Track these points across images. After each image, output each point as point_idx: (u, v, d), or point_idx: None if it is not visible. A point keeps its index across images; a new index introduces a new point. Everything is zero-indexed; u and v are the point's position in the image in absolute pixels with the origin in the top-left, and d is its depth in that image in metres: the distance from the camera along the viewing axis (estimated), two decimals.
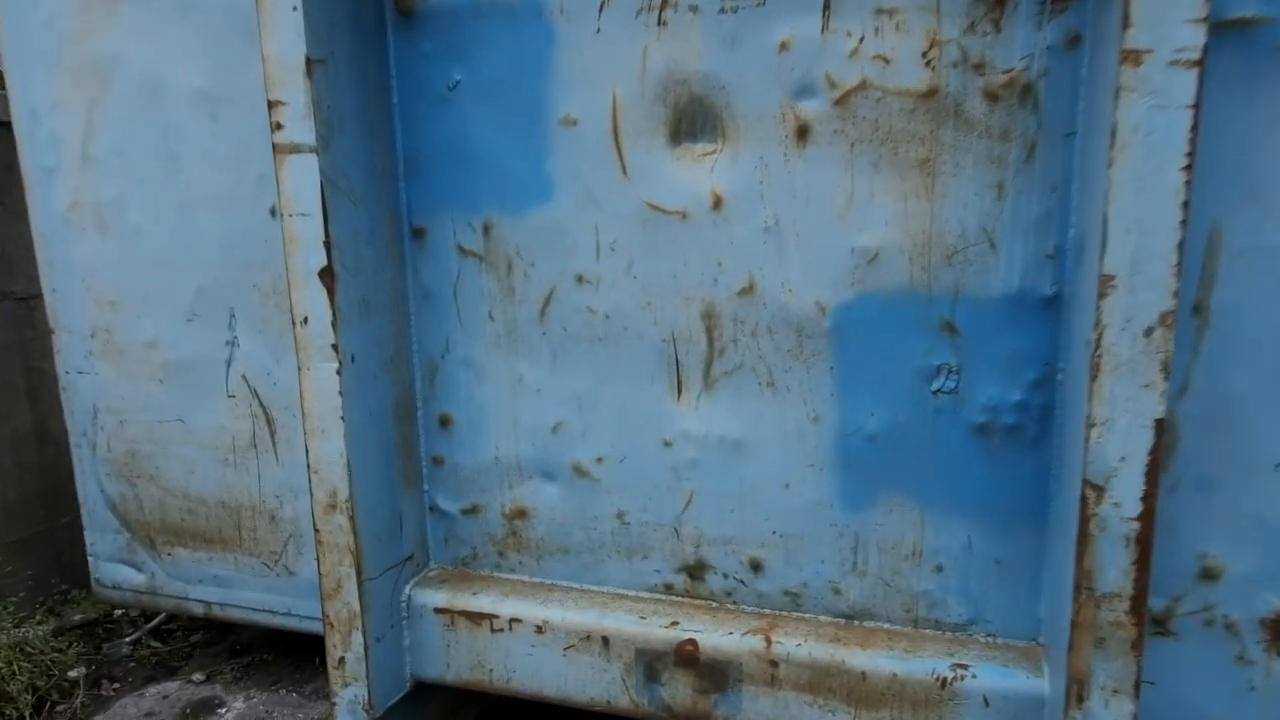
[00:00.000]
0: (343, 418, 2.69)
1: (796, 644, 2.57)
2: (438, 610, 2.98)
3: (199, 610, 3.59)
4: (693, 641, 2.67)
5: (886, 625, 2.62)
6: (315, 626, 3.40)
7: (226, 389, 3.27)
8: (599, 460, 2.84)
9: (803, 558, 2.67)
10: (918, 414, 2.45)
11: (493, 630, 2.92)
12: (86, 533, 3.69)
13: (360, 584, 2.80)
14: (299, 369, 2.71)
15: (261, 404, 3.23)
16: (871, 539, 2.58)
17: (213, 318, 3.22)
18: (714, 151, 2.52)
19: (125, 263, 3.30)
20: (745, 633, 2.64)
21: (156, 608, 3.73)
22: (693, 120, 2.53)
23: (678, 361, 2.68)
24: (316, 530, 2.81)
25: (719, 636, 2.66)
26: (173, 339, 3.30)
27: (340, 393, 2.67)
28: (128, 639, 4.08)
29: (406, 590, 3.04)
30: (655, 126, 2.56)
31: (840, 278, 2.45)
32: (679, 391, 2.70)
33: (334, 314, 2.63)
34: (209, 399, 3.30)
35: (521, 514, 2.99)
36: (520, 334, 2.85)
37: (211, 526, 3.43)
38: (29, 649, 3.66)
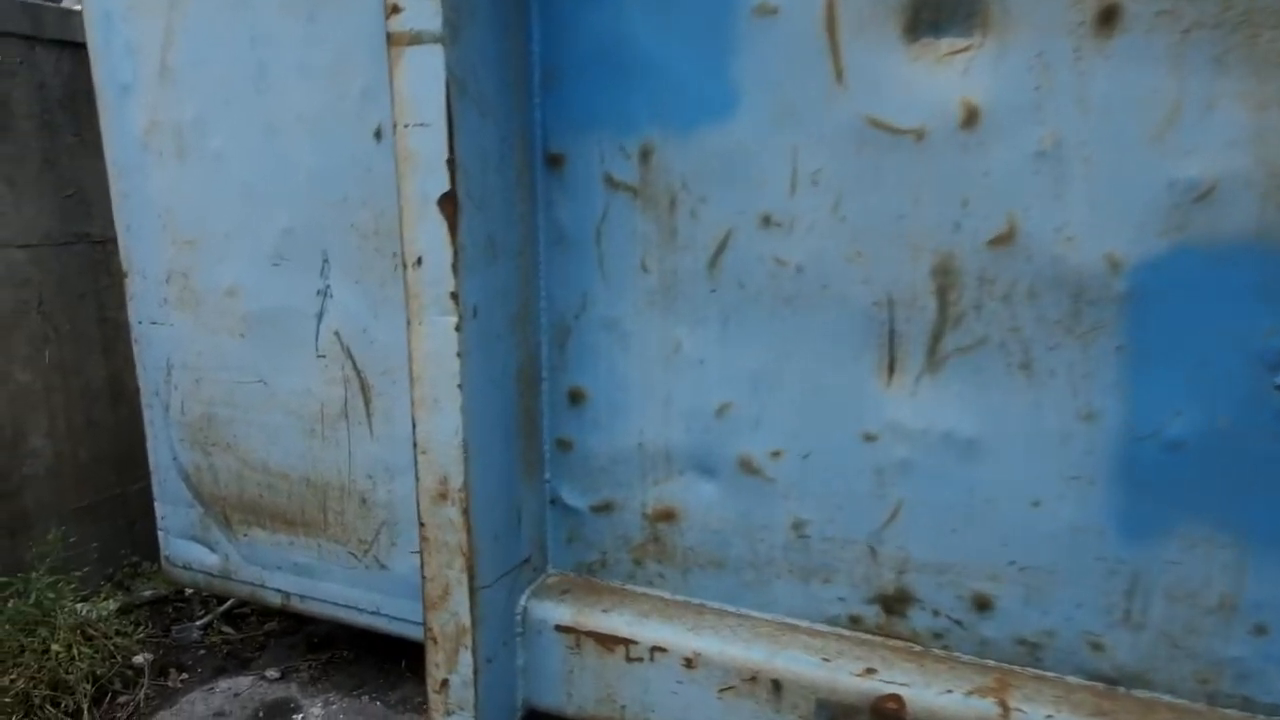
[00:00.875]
0: (460, 386, 2.14)
1: (1046, 714, 1.93)
2: (560, 628, 2.43)
3: (275, 600, 3.14)
4: (897, 698, 2.05)
5: (1168, 698, 1.95)
6: (408, 630, 2.91)
7: (316, 347, 2.78)
8: (775, 455, 2.24)
9: (1051, 598, 2.01)
10: (1250, 416, 1.76)
11: (629, 659, 2.35)
12: (157, 504, 3.27)
13: (472, 592, 2.27)
14: (409, 323, 2.17)
15: (355, 366, 2.73)
16: (1158, 582, 1.90)
17: (302, 262, 2.72)
18: (968, 48, 1.86)
19: (205, 195, 2.83)
20: (970, 692, 2.01)
21: (229, 593, 3.31)
22: (939, 6, 1.87)
23: (893, 331, 2.05)
24: (422, 524, 2.28)
25: (933, 694, 2.03)
26: (256, 286, 2.82)
27: (459, 354, 2.12)
28: (198, 623, 3.67)
29: (522, 601, 2.50)
30: (885, 15, 1.91)
31: (1148, 222, 1.77)
32: (891, 371, 2.07)
33: (455, 254, 2.07)
34: (295, 358, 2.82)
35: (668, 516, 2.41)
36: (681, 290, 2.25)
37: (293, 506, 2.96)
38: (92, 631, 3.26)
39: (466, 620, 2.26)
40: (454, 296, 2.08)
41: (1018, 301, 1.90)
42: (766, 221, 2.11)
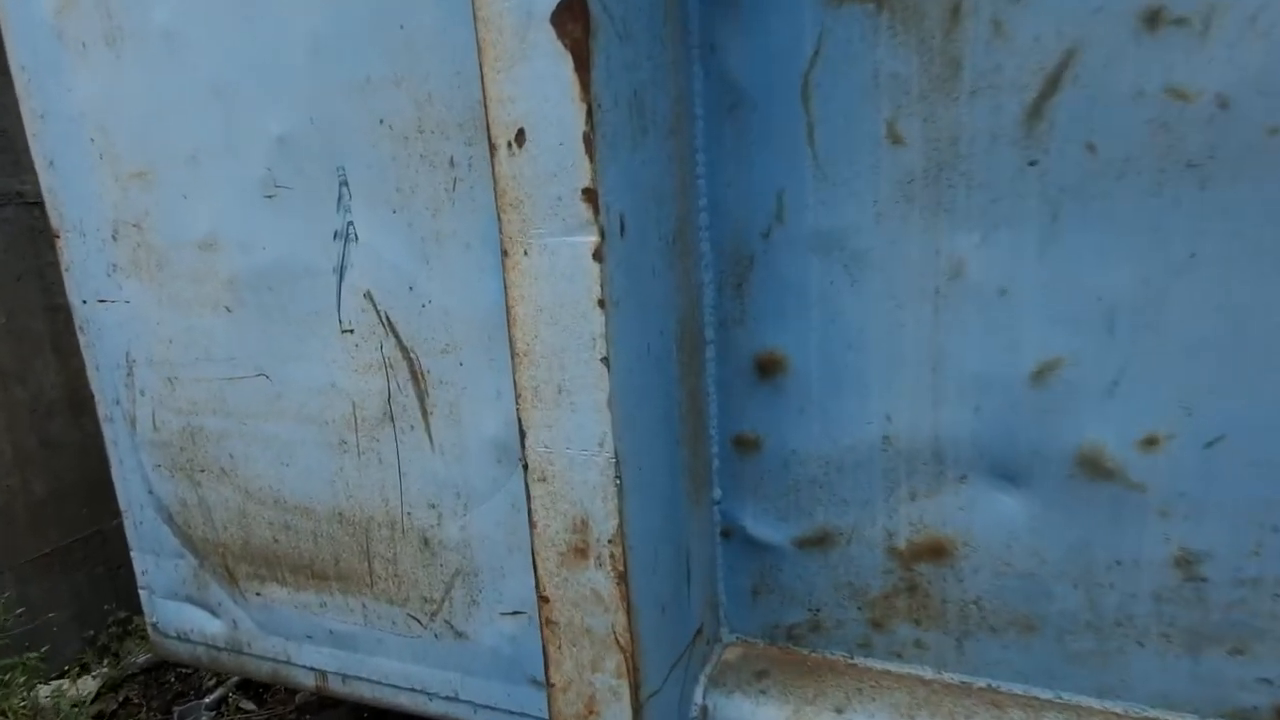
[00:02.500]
0: (606, 360, 1.21)
1: None
2: None
3: (307, 681, 2.26)
4: None
5: None
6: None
7: (339, 318, 1.87)
8: (1147, 444, 1.30)
9: None
10: None
11: None
12: (134, 555, 2.38)
13: (636, 708, 1.36)
14: (505, 255, 1.23)
15: (401, 343, 1.82)
16: None
17: (309, 189, 1.80)
18: None
19: (155, 100, 1.90)
20: None
21: (242, 671, 2.43)
22: None
23: None
24: (543, 596, 1.37)
25: None
26: (243, 233, 1.91)
27: (601, 302, 1.19)
28: (209, 698, 2.81)
29: (698, 696, 1.59)
30: None
31: None
32: None
33: (589, 118, 1.13)
34: (310, 338, 1.91)
35: (935, 551, 1.49)
36: (967, 170, 1.31)
37: (322, 554, 2.07)
38: None
39: None
40: (589, 197, 1.15)
41: None
42: (1153, 20, 1.15)
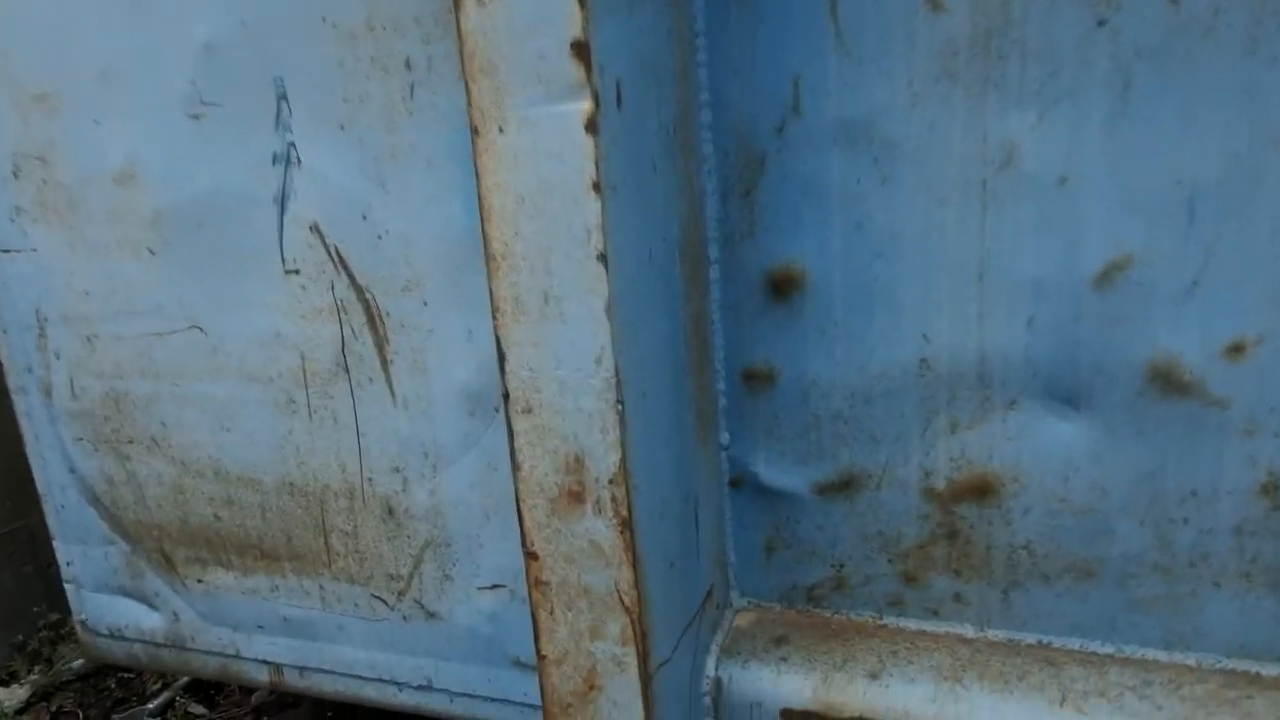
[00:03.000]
0: (603, 258, 1.00)
1: None
2: (794, 718, 1.32)
3: (260, 675, 2.02)
4: None
5: None
6: (485, 713, 1.80)
7: (281, 256, 1.63)
8: (1232, 351, 1.13)
9: None
10: None
11: None
12: (57, 544, 2.11)
13: (645, 682, 1.15)
14: (475, 133, 1.01)
15: (355, 281, 1.58)
16: None
17: (241, 105, 1.56)
18: None
19: (56, 7, 1.64)
20: None
21: (186, 670, 2.17)
22: None
23: None
24: (530, 553, 1.15)
25: None
26: (166, 161, 1.65)
27: (595, 186, 0.98)
28: (153, 703, 2.54)
29: (710, 668, 1.39)
30: None
31: None
32: None
33: None
34: (248, 280, 1.66)
35: (979, 490, 1.31)
36: (1019, 38, 1.12)
37: (272, 530, 1.83)
38: None
39: None
40: (580, 53, 0.93)
41: None
42: None
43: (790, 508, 1.41)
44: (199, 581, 1.95)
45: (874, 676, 1.30)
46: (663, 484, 1.16)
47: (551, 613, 1.13)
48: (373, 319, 1.59)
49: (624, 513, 1.06)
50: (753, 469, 1.41)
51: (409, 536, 1.70)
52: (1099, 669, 1.26)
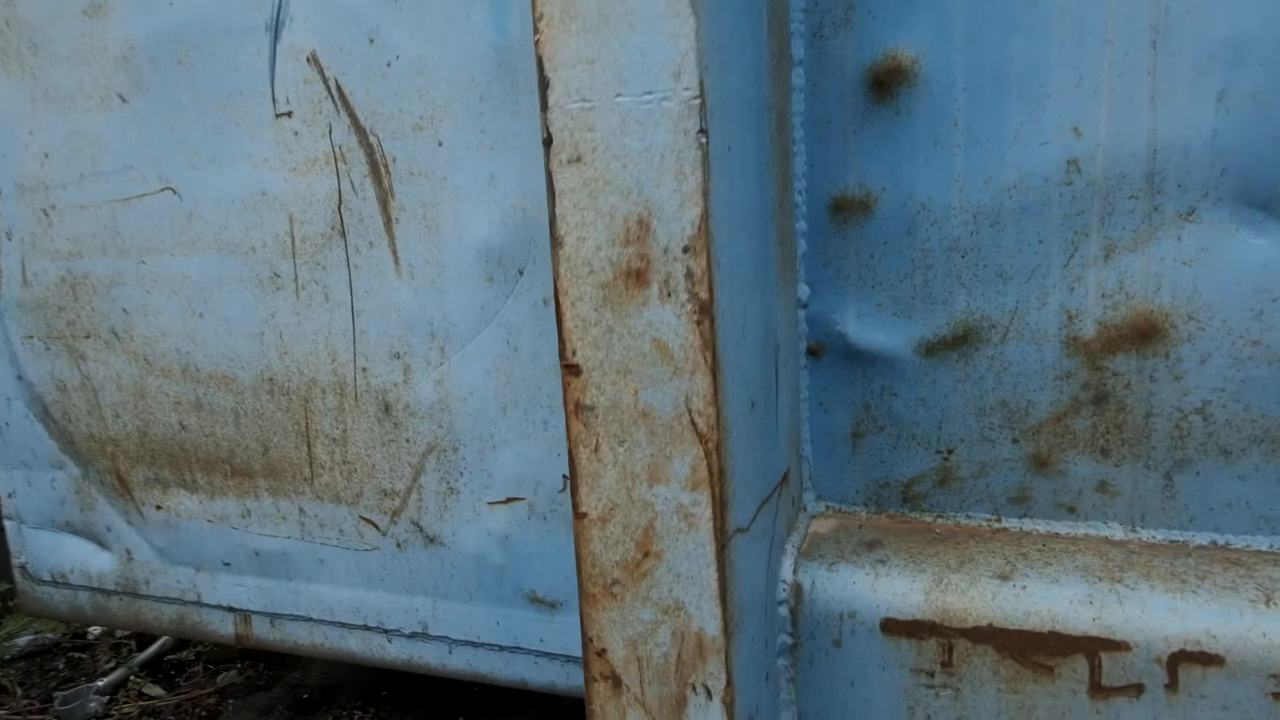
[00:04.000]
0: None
1: None
2: (898, 627, 1.02)
3: (224, 627, 1.70)
4: None
5: None
6: (492, 668, 1.48)
7: (272, 95, 1.38)
8: None
9: None
10: None
11: (1101, 688, 0.95)
12: None
13: (720, 544, 0.85)
14: None
15: (357, 122, 1.32)
16: None
17: None
18: None
19: None
20: None
21: (138, 623, 1.84)
22: None
23: None
24: (572, 368, 0.87)
25: None
26: None
27: None
28: (103, 680, 2.21)
29: (787, 572, 1.09)
30: None
31: None
32: None
33: None
34: (232, 128, 1.39)
35: (1143, 333, 1.02)
36: None
37: (245, 439, 1.53)
38: None
39: (711, 615, 0.84)
40: None
41: None
42: None
43: (886, 377, 1.12)
44: (158, 509, 1.65)
45: (1004, 578, 1.00)
46: (744, 285, 0.88)
47: (596, 450, 0.84)
48: (376, 168, 1.33)
49: (703, 294, 0.78)
50: (839, 329, 1.13)
51: (408, 440, 1.42)
52: None
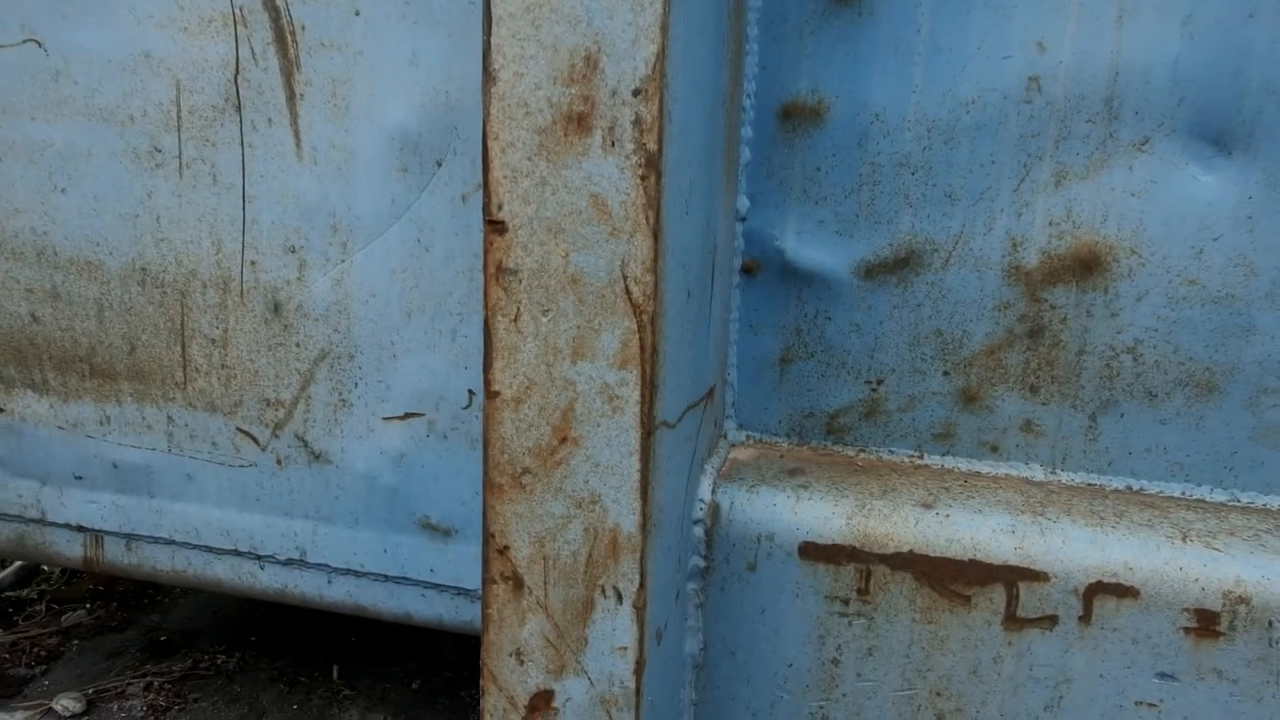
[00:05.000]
0: None
1: None
2: (814, 551, 0.96)
3: (72, 549, 1.50)
4: None
5: None
6: (375, 600, 1.35)
7: None
8: None
9: None
10: None
11: (1032, 621, 0.91)
12: None
13: (646, 433, 0.77)
14: None
15: None
16: None
17: None
18: None
19: None
20: None
21: None
22: None
23: None
24: (496, 224, 0.77)
25: None
26: None
27: None
28: None
29: (705, 491, 1.02)
30: None
31: None
32: None
33: None
34: None
35: (1086, 264, 0.98)
36: None
37: (109, 336, 1.35)
38: None
39: (629, 510, 0.76)
40: None
41: None
42: None
43: (821, 299, 1.06)
44: (0, 411, 1.45)
45: (928, 506, 0.96)
46: (694, 155, 0.80)
47: (516, 320, 0.74)
48: (281, 34, 1.18)
49: (651, 145, 0.69)
50: (777, 244, 1.07)
51: (298, 345, 1.27)
52: (1217, 515, 0.95)
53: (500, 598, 0.79)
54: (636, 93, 0.68)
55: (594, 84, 0.69)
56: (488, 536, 0.79)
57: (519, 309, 0.74)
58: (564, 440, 0.75)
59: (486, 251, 0.75)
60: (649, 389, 0.73)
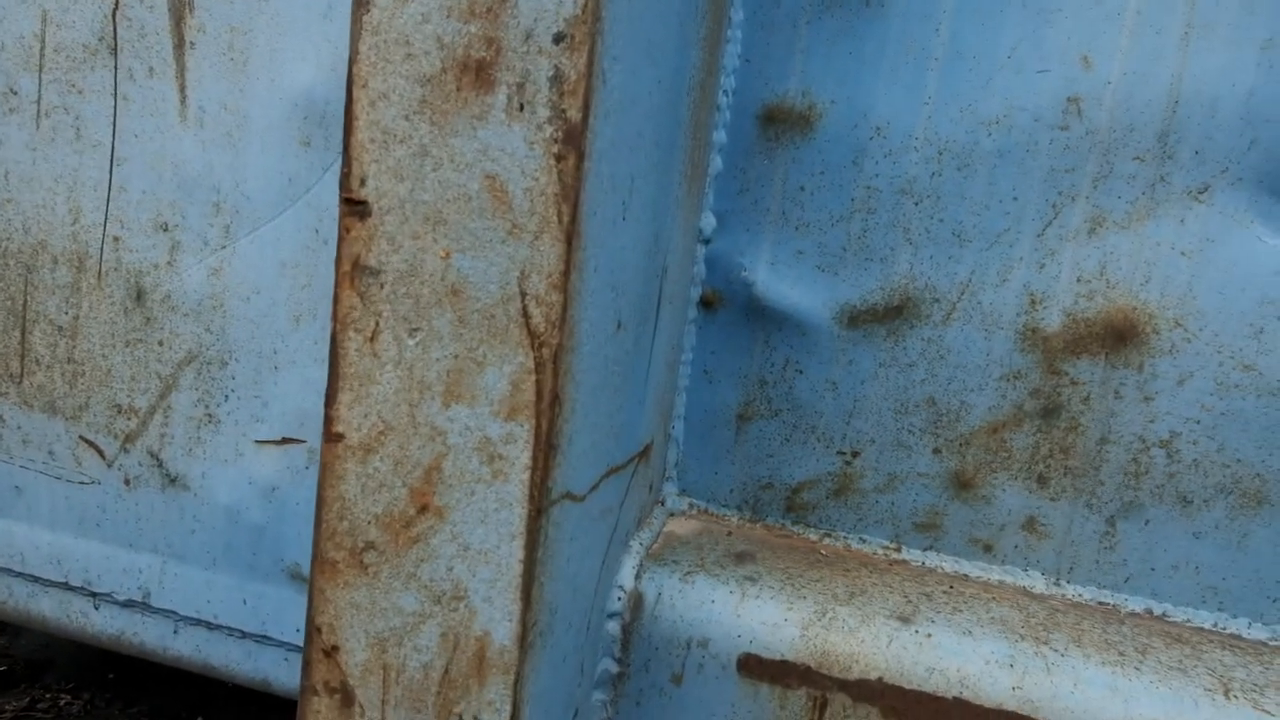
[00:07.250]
0: None
1: None
2: (762, 669, 0.76)
3: None
4: None
5: None
6: (214, 654, 1.12)
7: None
8: None
9: None
10: None
11: None
12: None
13: (534, 511, 0.57)
14: None
15: None
16: None
17: None
18: None
19: None
20: None
21: None
22: None
23: None
24: (354, 204, 0.57)
25: None
26: None
27: None
28: None
29: (627, 576, 0.82)
30: None
31: None
32: None
33: None
34: None
35: (1119, 334, 0.80)
36: None
37: None
38: None
39: (504, 613, 0.55)
40: None
41: None
42: None
43: (793, 348, 0.87)
44: None
45: (905, 620, 0.76)
46: (638, 144, 0.61)
47: (373, 339, 0.54)
48: None
49: (573, 113, 0.49)
50: (745, 276, 0.88)
51: (161, 343, 1.06)
52: (1259, 659, 0.77)
53: (321, 714, 0.57)
54: (559, 38, 0.49)
55: (502, 20, 0.50)
56: (312, 631, 0.57)
57: (377, 325, 0.54)
58: (424, 509, 0.54)
59: (341, 241, 0.55)
60: (544, 450, 0.53)
